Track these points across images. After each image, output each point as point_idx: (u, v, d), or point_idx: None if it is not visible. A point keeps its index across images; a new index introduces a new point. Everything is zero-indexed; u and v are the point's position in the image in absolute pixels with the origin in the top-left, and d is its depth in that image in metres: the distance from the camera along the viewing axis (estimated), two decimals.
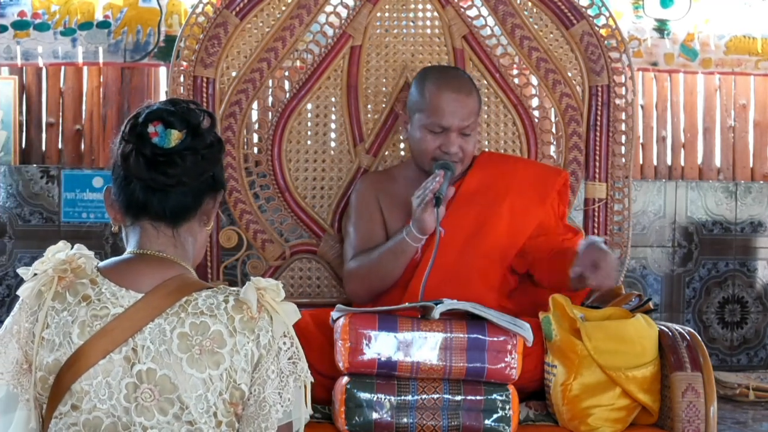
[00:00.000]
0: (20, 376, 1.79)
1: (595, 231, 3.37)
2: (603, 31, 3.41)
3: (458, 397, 2.67)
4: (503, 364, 2.67)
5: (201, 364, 1.74)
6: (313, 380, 1.84)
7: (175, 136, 1.78)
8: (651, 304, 2.95)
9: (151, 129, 1.78)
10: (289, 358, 1.79)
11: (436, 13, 3.44)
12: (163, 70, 4.77)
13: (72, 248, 1.83)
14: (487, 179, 3.13)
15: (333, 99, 3.42)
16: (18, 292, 1.82)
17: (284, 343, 1.79)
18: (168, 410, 1.74)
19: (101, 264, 1.83)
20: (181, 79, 3.33)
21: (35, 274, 1.80)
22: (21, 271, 1.83)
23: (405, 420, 2.65)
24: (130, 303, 1.76)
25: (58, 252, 1.82)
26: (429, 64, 3.36)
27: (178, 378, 1.73)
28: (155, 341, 1.74)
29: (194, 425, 1.74)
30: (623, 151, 3.42)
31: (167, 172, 1.78)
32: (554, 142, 3.43)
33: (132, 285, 1.78)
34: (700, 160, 5.20)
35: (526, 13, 3.41)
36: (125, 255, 1.84)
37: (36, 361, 1.76)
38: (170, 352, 1.74)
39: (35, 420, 1.79)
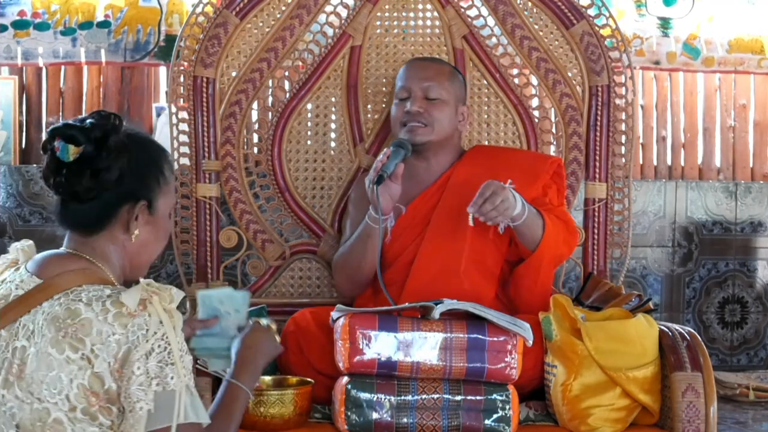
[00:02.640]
0: None
1: (595, 231, 3.37)
2: (603, 31, 3.41)
3: (458, 397, 2.67)
4: (503, 364, 2.67)
5: (61, 346, 1.81)
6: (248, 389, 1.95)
7: (72, 151, 1.90)
8: (651, 304, 2.95)
9: (55, 143, 1.91)
10: (158, 361, 1.82)
11: (436, 13, 3.44)
12: (163, 70, 4.76)
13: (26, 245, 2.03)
14: (478, 169, 3.12)
15: (333, 99, 3.42)
16: None
17: (158, 346, 1.83)
18: (23, 387, 1.83)
19: (35, 256, 1.99)
20: (181, 79, 3.33)
21: None
22: None
23: (405, 420, 2.65)
24: (31, 287, 1.90)
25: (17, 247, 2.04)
26: None
27: (39, 356, 1.82)
28: (35, 322, 1.86)
29: (41, 403, 1.82)
30: (623, 151, 3.42)
31: (64, 185, 1.91)
32: (554, 142, 3.43)
33: (41, 274, 1.92)
34: (700, 160, 5.19)
35: (526, 13, 3.41)
36: (50, 251, 1.99)
37: None
38: (41, 333, 1.84)
39: None
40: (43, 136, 4.71)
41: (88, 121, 1.94)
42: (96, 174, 1.91)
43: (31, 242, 2.05)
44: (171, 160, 2.08)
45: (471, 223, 2.92)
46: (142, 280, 1.89)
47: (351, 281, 3.12)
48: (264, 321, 2.32)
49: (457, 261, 3.03)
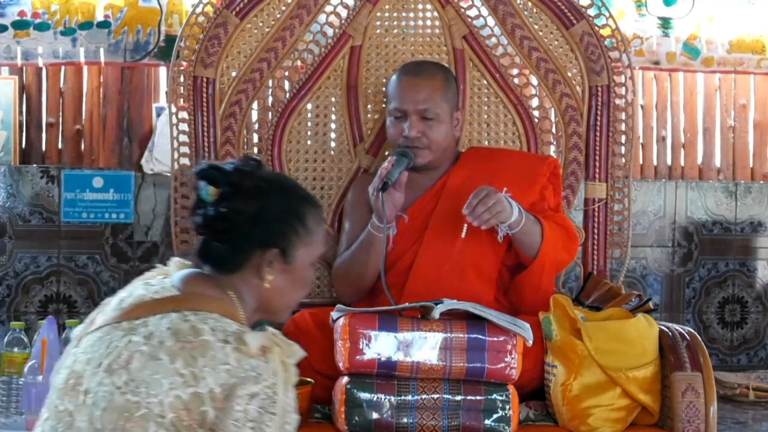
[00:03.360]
0: None
1: (595, 231, 3.37)
2: (603, 31, 3.41)
3: (458, 397, 2.67)
4: (503, 364, 2.67)
5: (174, 357, 1.84)
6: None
7: (212, 192, 1.98)
8: (651, 304, 2.95)
9: (200, 183, 2.01)
10: (260, 407, 1.83)
11: (436, 13, 3.44)
12: (163, 70, 4.76)
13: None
14: (474, 172, 3.12)
15: (333, 99, 3.42)
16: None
17: (264, 393, 1.83)
18: (124, 377, 1.86)
19: (182, 271, 2.05)
20: (181, 79, 3.33)
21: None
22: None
23: (405, 420, 2.65)
24: (166, 296, 1.97)
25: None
26: None
27: (148, 358, 1.85)
28: (158, 327, 1.89)
29: (135, 396, 1.84)
30: (623, 151, 3.42)
31: (202, 224, 1.99)
32: (554, 142, 3.43)
33: (181, 287, 1.98)
34: (700, 160, 5.19)
35: (526, 13, 3.41)
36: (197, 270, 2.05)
37: None
38: (159, 338, 1.87)
39: None
40: (43, 136, 4.72)
41: (229, 164, 2.01)
42: (228, 216, 1.97)
43: (185, 261, 2.10)
44: (319, 209, 2.09)
45: (464, 235, 2.94)
46: (269, 328, 1.93)
47: (353, 289, 3.13)
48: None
49: (455, 265, 3.03)
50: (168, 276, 2.06)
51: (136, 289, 2.01)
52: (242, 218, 1.97)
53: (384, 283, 2.95)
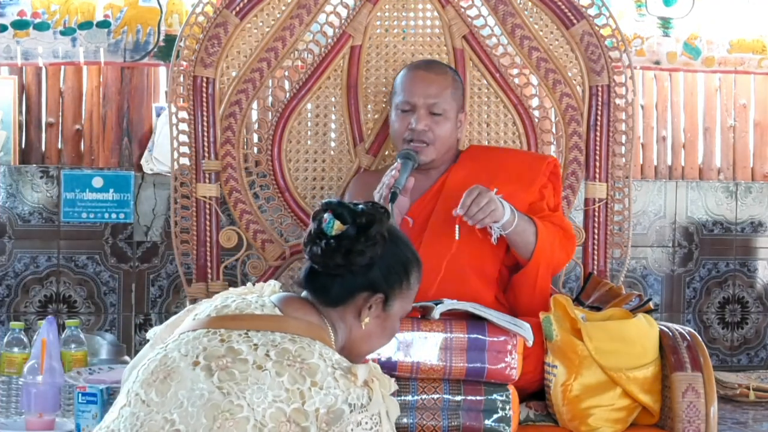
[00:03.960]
0: None
1: (596, 231, 3.37)
2: (603, 31, 3.40)
3: (458, 398, 2.67)
4: (503, 365, 2.67)
5: (282, 371, 1.91)
6: None
7: (336, 227, 2.06)
8: (651, 305, 2.94)
9: (324, 215, 2.08)
10: None
11: (436, 13, 3.43)
12: (162, 70, 4.76)
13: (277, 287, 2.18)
14: (473, 171, 3.12)
15: (333, 99, 3.42)
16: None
17: (368, 422, 1.91)
18: (225, 378, 1.90)
19: (281, 293, 2.14)
20: (181, 79, 3.33)
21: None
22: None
23: (405, 420, 2.65)
24: (269, 313, 2.04)
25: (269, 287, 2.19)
26: None
27: (253, 366, 1.91)
28: (261, 342, 1.96)
29: (240, 399, 1.88)
30: (623, 151, 3.41)
31: (319, 255, 2.05)
32: (554, 142, 3.43)
33: (282, 308, 2.06)
34: (700, 160, 5.20)
35: (526, 12, 3.40)
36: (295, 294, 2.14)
37: None
38: (265, 351, 1.94)
39: None
40: (43, 136, 4.72)
41: (360, 206, 2.09)
42: (349, 254, 2.05)
43: (279, 284, 2.19)
44: (420, 269, 2.18)
45: (457, 237, 2.93)
46: (371, 362, 2.01)
47: None
48: None
49: (455, 265, 3.02)
50: (261, 295, 2.12)
51: (233, 301, 2.07)
52: (362, 260, 2.06)
53: None
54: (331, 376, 1.91)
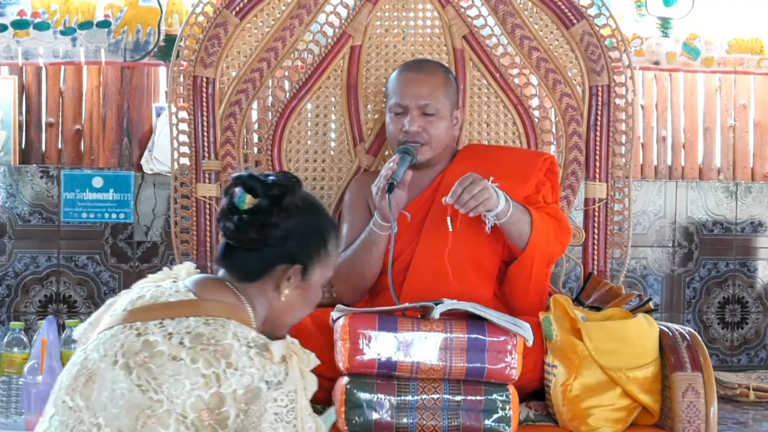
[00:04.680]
0: None
1: (596, 231, 3.37)
2: (603, 31, 3.40)
3: (458, 398, 2.67)
4: (503, 365, 2.66)
5: (196, 357, 1.88)
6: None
7: (248, 200, 2.01)
8: (651, 305, 2.94)
9: (235, 189, 2.03)
10: (275, 413, 1.87)
11: (436, 13, 3.43)
12: (163, 70, 4.76)
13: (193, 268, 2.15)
14: (470, 168, 3.10)
15: (333, 99, 3.42)
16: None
17: (282, 400, 1.88)
18: (143, 375, 1.88)
19: (195, 276, 2.10)
20: (181, 78, 3.33)
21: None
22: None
23: (405, 420, 2.65)
24: (183, 299, 2.00)
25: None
26: None
27: (169, 357, 1.89)
28: (177, 329, 1.93)
29: (158, 394, 1.87)
30: (623, 151, 3.41)
31: (233, 230, 2.02)
32: (554, 142, 3.43)
33: (197, 292, 2.02)
34: (700, 160, 5.20)
35: (526, 12, 3.40)
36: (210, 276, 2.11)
37: None
38: (179, 339, 1.91)
39: None
40: (43, 136, 4.72)
41: (271, 177, 2.05)
42: (263, 228, 2.02)
43: (194, 265, 2.15)
44: (338, 235, 2.16)
45: (450, 228, 2.93)
46: (288, 337, 1.97)
47: (354, 289, 3.12)
48: None
49: (454, 262, 3.02)
50: (176, 280, 2.08)
51: (148, 291, 2.03)
52: (277, 232, 2.02)
53: (390, 283, 2.95)
54: (245, 356, 1.88)
